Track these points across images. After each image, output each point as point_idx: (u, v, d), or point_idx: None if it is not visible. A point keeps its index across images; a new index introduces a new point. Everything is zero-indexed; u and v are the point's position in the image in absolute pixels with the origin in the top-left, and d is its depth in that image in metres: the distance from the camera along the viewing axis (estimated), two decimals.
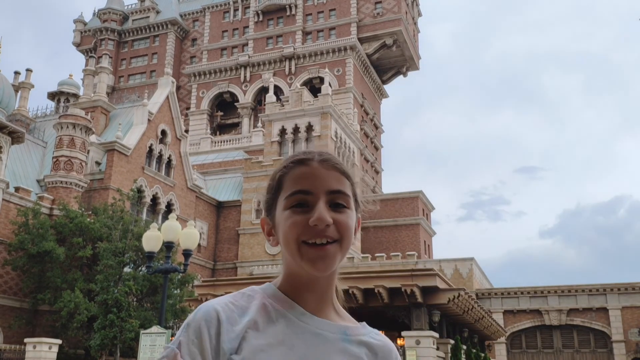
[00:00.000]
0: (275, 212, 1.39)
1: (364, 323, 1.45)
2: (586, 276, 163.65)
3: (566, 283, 43.12)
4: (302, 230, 1.30)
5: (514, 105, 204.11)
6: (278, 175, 1.40)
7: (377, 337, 1.43)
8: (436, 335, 22.97)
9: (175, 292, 30.59)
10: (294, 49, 70.77)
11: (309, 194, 1.33)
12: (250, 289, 1.39)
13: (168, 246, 13.92)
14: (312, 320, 1.34)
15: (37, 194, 34.48)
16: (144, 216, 38.85)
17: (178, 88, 69.59)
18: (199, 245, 43.41)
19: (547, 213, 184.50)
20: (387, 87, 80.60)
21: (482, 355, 28.98)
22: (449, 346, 24.63)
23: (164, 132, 42.62)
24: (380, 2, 71.50)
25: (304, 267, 1.32)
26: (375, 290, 22.89)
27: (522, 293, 43.42)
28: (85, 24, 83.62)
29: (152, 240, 14.05)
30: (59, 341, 26.44)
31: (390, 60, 75.43)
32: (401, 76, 79.91)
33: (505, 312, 43.25)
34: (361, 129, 66.23)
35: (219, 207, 48.77)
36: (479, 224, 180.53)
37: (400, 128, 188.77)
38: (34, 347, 25.28)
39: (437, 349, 23.20)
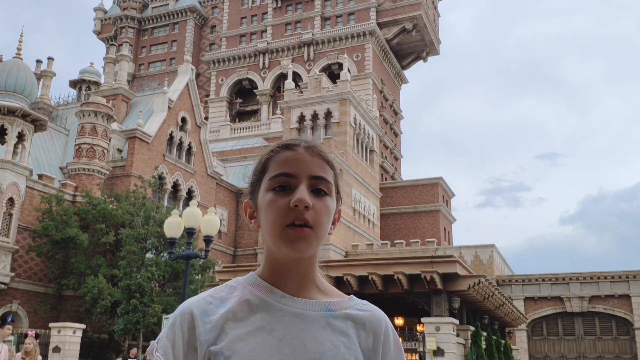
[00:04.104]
0: (258, 194, 1.42)
1: (352, 296, 1.46)
2: (607, 263, 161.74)
3: (587, 270, 42.72)
4: (285, 215, 1.33)
5: (535, 91, 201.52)
6: (264, 158, 1.44)
7: (365, 307, 1.44)
8: (456, 321, 22.93)
9: (197, 277, 30.91)
10: (313, 34, 70.43)
11: (292, 177, 1.36)
12: (235, 281, 1.44)
13: (189, 232, 14.04)
14: (293, 302, 1.37)
15: (60, 181, 34.95)
16: (165, 203, 39.20)
17: (197, 75, 69.74)
18: (220, 231, 43.73)
19: (568, 199, 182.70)
20: (407, 73, 79.99)
21: (503, 342, 28.87)
22: (469, 333, 24.57)
23: (184, 120, 42.82)
24: None
25: (283, 249, 1.35)
26: (395, 277, 22.88)
27: (543, 280, 43.09)
28: (105, 12, 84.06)
29: (173, 226, 14.17)
30: (83, 326, 26.91)
31: (410, 45, 74.74)
32: (421, 61, 79.17)
33: (526, 299, 42.97)
34: (380, 115, 65.91)
35: (239, 194, 49.02)
36: (498, 211, 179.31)
37: (420, 114, 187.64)
38: (59, 331, 25.76)
39: (457, 335, 23.17)
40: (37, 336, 10.27)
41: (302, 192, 1.34)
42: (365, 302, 1.46)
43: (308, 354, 1.30)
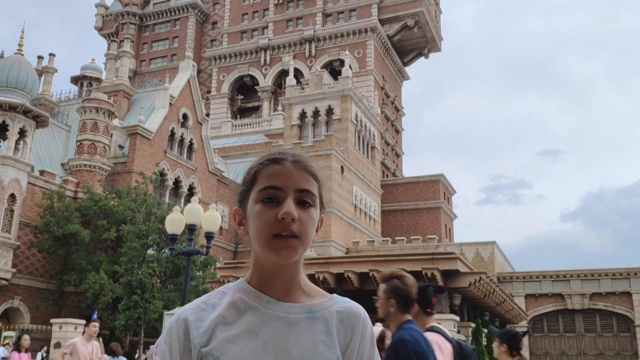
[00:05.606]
0: (247, 203, 1.50)
1: (334, 295, 1.55)
2: (607, 260, 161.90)
3: (587, 267, 42.72)
4: (272, 226, 1.42)
5: (537, 88, 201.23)
6: (253, 170, 1.52)
7: (344, 304, 1.53)
8: (457, 318, 22.97)
9: (198, 274, 30.91)
10: (314, 31, 70.32)
11: (280, 190, 1.45)
12: (225, 287, 1.53)
13: (190, 229, 14.04)
14: (278, 306, 1.46)
15: (61, 178, 34.97)
16: (167, 199, 39.21)
17: (199, 72, 69.70)
18: (221, 228, 43.75)
19: (569, 196, 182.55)
20: (408, 69, 79.87)
21: None
22: (470, 329, 24.61)
23: (185, 116, 42.82)
24: None
25: (269, 257, 1.44)
26: None
27: (544, 277, 43.12)
28: (106, 8, 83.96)
29: (174, 223, 14.18)
30: (84, 322, 26.94)
31: (412, 41, 74.61)
32: (422, 58, 79.05)
33: (527, 296, 43.01)
34: (382, 112, 65.84)
35: None
36: (499, 208, 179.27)
37: (422, 111, 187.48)
38: (60, 327, 25.85)
39: (458, 332, 23.19)
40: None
41: (289, 205, 1.42)
42: (345, 299, 1.55)
43: (290, 354, 1.40)
